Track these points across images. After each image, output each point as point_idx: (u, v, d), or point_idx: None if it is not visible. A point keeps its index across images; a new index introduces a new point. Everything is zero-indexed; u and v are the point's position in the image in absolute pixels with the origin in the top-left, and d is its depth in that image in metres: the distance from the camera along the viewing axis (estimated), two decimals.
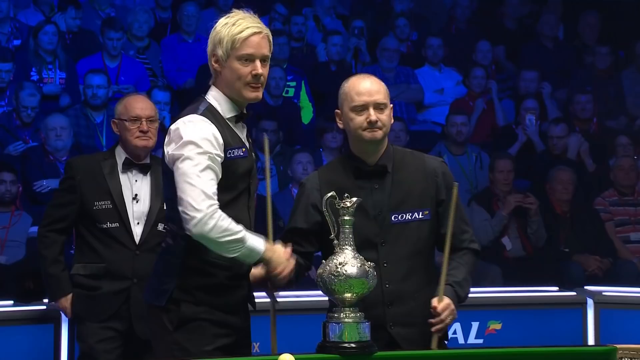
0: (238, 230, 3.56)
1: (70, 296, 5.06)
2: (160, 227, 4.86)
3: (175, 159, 3.59)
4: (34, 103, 8.06)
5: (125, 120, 4.98)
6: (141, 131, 4.93)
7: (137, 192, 4.94)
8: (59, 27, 8.93)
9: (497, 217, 8.00)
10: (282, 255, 3.67)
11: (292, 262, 3.69)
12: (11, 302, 6.32)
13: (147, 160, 5.01)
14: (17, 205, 7.33)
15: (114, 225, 4.89)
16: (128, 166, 4.96)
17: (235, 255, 3.58)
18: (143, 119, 4.95)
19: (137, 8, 9.70)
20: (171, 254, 3.70)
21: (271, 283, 3.72)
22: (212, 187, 3.55)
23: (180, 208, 3.55)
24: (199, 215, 3.50)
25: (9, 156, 7.89)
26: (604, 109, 9.77)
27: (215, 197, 3.55)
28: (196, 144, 3.57)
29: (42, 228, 5.10)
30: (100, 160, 5.02)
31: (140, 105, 5.02)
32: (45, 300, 6.34)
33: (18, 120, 8.15)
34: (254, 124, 8.14)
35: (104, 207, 4.90)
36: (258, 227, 3.77)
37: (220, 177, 3.61)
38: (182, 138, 3.59)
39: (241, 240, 3.56)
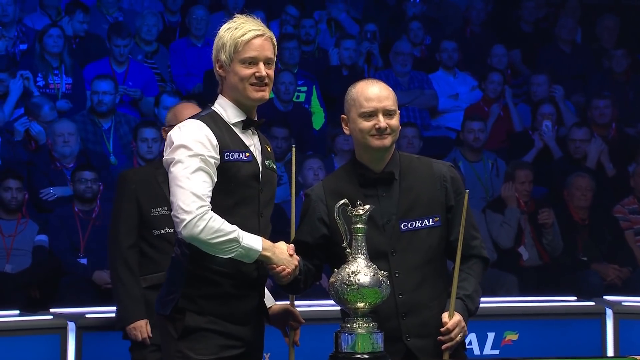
0: (231, 230, 3.55)
1: (146, 320, 5.07)
2: None
3: (168, 163, 3.63)
4: (52, 117, 8.10)
5: (172, 127, 5.05)
6: None
7: None
8: (65, 31, 8.96)
9: (509, 214, 8.00)
10: (283, 252, 3.65)
11: (296, 259, 3.67)
12: (17, 311, 6.33)
13: None
14: (23, 213, 7.34)
15: (172, 230, 4.94)
16: None
17: (231, 255, 3.56)
18: None
19: (145, 12, 9.73)
20: (177, 263, 3.71)
21: (275, 280, 3.71)
22: (203, 189, 3.56)
23: (172, 212, 3.57)
24: (188, 218, 3.51)
25: (15, 163, 7.91)
26: (623, 114, 9.75)
27: (207, 199, 3.56)
28: (187, 147, 3.59)
29: (121, 244, 5.07)
30: (152, 170, 5.14)
31: (189, 111, 5.07)
32: (52, 310, 6.36)
33: (23, 134, 8.16)
34: (265, 131, 8.14)
35: (161, 213, 5.00)
36: (277, 236, 3.77)
37: (215, 179, 3.61)
38: (174, 142, 3.63)
39: (235, 240, 3.55)
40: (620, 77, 10.22)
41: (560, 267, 8.02)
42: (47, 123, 8.08)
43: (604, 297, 7.32)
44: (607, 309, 6.91)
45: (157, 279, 4.95)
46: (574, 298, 7.26)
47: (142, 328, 5.08)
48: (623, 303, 7.07)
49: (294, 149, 4.09)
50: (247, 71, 3.69)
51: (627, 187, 8.56)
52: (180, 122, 4.94)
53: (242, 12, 3.81)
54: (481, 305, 3.94)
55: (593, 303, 7.08)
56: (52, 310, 6.36)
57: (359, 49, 10.03)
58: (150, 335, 5.06)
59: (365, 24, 10.41)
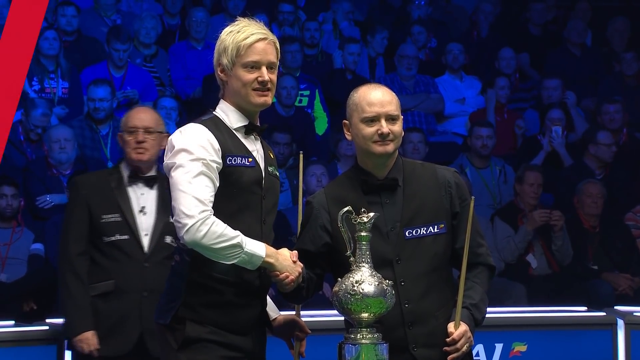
0: (234, 236, 3.56)
1: (93, 332, 5.03)
2: (168, 239, 4.95)
3: (169, 168, 3.64)
4: (45, 123, 8.11)
5: (124, 131, 5.08)
6: (137, 142, 5.00)
7: (143, 204, 5.04)
8: (62, 34, 8.98)
9: (521, 233, 7.96)
10: (287, 259, 3.66)
11: (299, 266, 3.68)
12: (12, 322, 6.33)
13: (153, 173, 5.08)
14: (18, 220, 7.35)
15: (123, 237, 4.98)
16: (134, 179, 5.07)
17: (234, 261, 3.57)
18: (140, 130, 5.03)
19: (144, 14, 9.74)
20: (178, 271, 3.72)
21: (278, 288, 3.72)
22: (205, 194, 3.57)
23: (174, 217, 3.58)
24: (190, 222, 3.51)
25: (10, 169, 7.92)
26: (634, 119, 9.75)
27: (210, 204, 3.57)
28: (188, 151, 3.61)
29: (70, 252, 5.05)
30: (106, 175, 5.15)
31: (139, 115, 5.10)
32: (48, 320, 6.36)
33: (23, 135, 8.19)
34: (267, 137, 8.16)
35: (112, 219, 5.00)
36: (279, 244, 3.78)
37: (217, 184, 3.62)
38: (175, 147, 3.64)
39: (238, 246, 3.56)
40: (630, 80, 10.22)
41: (570, 276, 8.01)
42: (36, 127, 8.09)
43: (615, 307, 7.32)
44: (618, 319, 6.91)
45: (106, 287, 4.97)
46: (584, 308, 7.25)
47: (88, 340, 4.99)
48: (635, 313, 7.06)
49: (301, 156, 4.10)
50: (249, 76, 3.71)
51: (639, 194, 8.55)
52: (129, 126, 5.04)
53: (244, 15, 3.82)
54: (489, 315, 3.95)
55: (604, 313, 7.08)
56: (48, 320, 6.36)
57: (364, 53, 10.04)
58: (98, 347, 5.00)
59: (371, 31, 10.38)
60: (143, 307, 4.91)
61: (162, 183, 5.05)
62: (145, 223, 5.01)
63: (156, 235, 5.00)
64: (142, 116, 5.11)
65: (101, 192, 5.05)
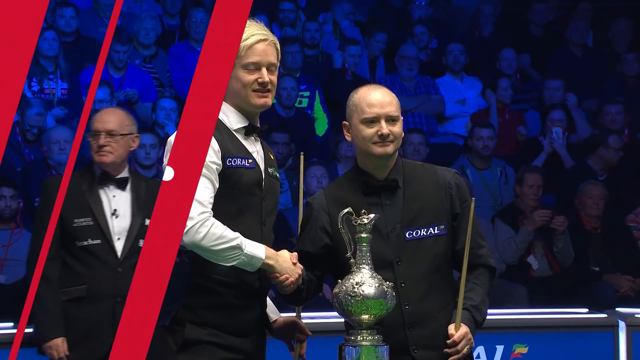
0: (234, 237, 3.57)
1: (63, 339, 5.00)
2: (142, 243, 4.93)
3: None
4: (41, 123, 8.12)
5: (89, 134, 5.09)
6: (98, 146, 4.98)
7: (115, 207, 4.99)
8: (61, 35, 8.98)
9: (522, 234, 7.97)
10: (287, 261, 3.67)
11: (299, 268, 3.69)
12: (11, 324, 6.33)
13: (125, 174, 5.06)
14: (17, 222, 7.35)
15: (95, 241, 4.93)
16: (104, 181, 5.02)
17: (234, 263, 3.58)
18: (102, 133, 4.99)
19: (143, 15, 9.74)
20: (177, 272, 3.72)
21: (278, 290, 3.72)
22: (204, 195, 3.57)
23: None
24: (190, 224, 3.51)
25: (9, 170, 7.92)
26: (636, 120, 9.75)
27: (209, 206, 3.57)
28: None
29: (38, 255, 5.05)
30: (77, 177, 5.04)
31: (103, 118, 5.07)
32: None
33: (20, 136, 8.19)
34: (265, 137, 8.15)
35: (84, 223, 4.95)
36: (279, 245, 3.78)
37: (217, 185, 3.63)
38: None
39: (238, 247, 3.57)
40: (632, 81, 10.22)
41: (572, 277, 8.01)
42: (32, 127, 8.11)
43: (617, 308, 7.31)
44: (619, 321, 6.91)
45: (79, 292, 4.93)
46: (586, 310, 7.25)
47: (58, 347, 4.96)
48: (636, 315, 7.05)
49: (301, 157, 4.10)
50: (249, 77, 3.71)
51: None
52: (92, 129, 5.02)
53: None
54: (489, 317, 3.96)
55: (605, 315, 7.07)
56: None
57: (364, 55, 10.04)
58: (67, 353, 4.96)
59: (372, 32, 10.38)
60: (116, 313, 4.86)
61: (135, 183, 5.05)
62: (118, 226, 4.97)
63: (130, 239, 4.97)
64: (106, 119, 5.06)
65: (72, 195, 4.91)
